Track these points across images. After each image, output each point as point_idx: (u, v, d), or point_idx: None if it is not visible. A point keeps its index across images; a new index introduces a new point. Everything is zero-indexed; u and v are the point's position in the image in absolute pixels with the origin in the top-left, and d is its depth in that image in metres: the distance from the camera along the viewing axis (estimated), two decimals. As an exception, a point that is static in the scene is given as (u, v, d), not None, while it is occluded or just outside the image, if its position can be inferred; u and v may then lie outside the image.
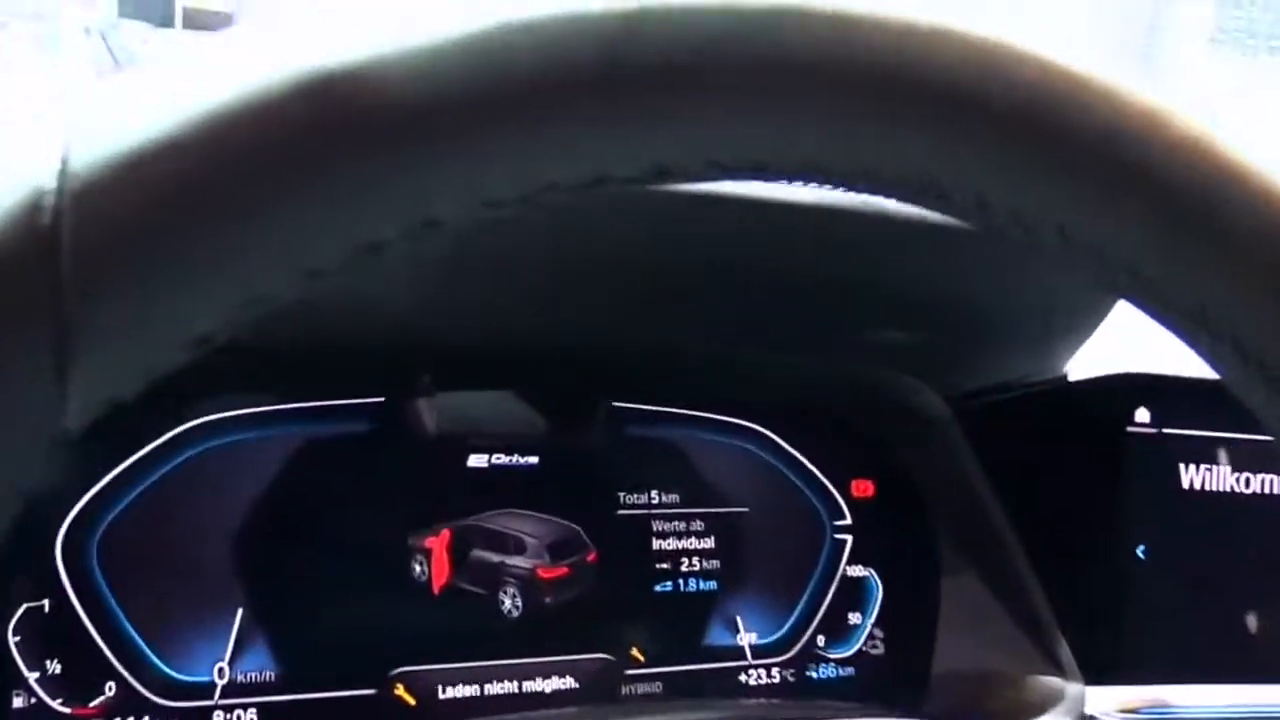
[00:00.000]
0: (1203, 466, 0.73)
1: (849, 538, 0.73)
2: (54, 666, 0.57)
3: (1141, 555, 0.72)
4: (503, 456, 0.65)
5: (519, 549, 0.65)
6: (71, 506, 0.58)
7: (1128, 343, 0.74)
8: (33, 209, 0.18)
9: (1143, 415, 0.72)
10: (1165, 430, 0.72)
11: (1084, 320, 0.67)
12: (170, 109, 0.18)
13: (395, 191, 0.19)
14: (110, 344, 0.18)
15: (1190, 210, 0.23)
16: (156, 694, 0.59)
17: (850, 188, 0.23)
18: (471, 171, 0.20)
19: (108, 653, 0.58)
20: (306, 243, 0.19)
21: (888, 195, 0.23)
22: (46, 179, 0.18)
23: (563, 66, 0.19)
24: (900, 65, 0.21)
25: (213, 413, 0.60)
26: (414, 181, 0.19)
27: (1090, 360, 0.74)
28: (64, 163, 0.18)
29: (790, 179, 0.22)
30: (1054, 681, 0.70)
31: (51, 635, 0.57)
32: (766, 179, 0.22)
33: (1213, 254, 0.24)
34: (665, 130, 0.21)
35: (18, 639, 0.56)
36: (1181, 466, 0.72)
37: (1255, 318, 0.24)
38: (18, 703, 0.57)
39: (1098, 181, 0.23)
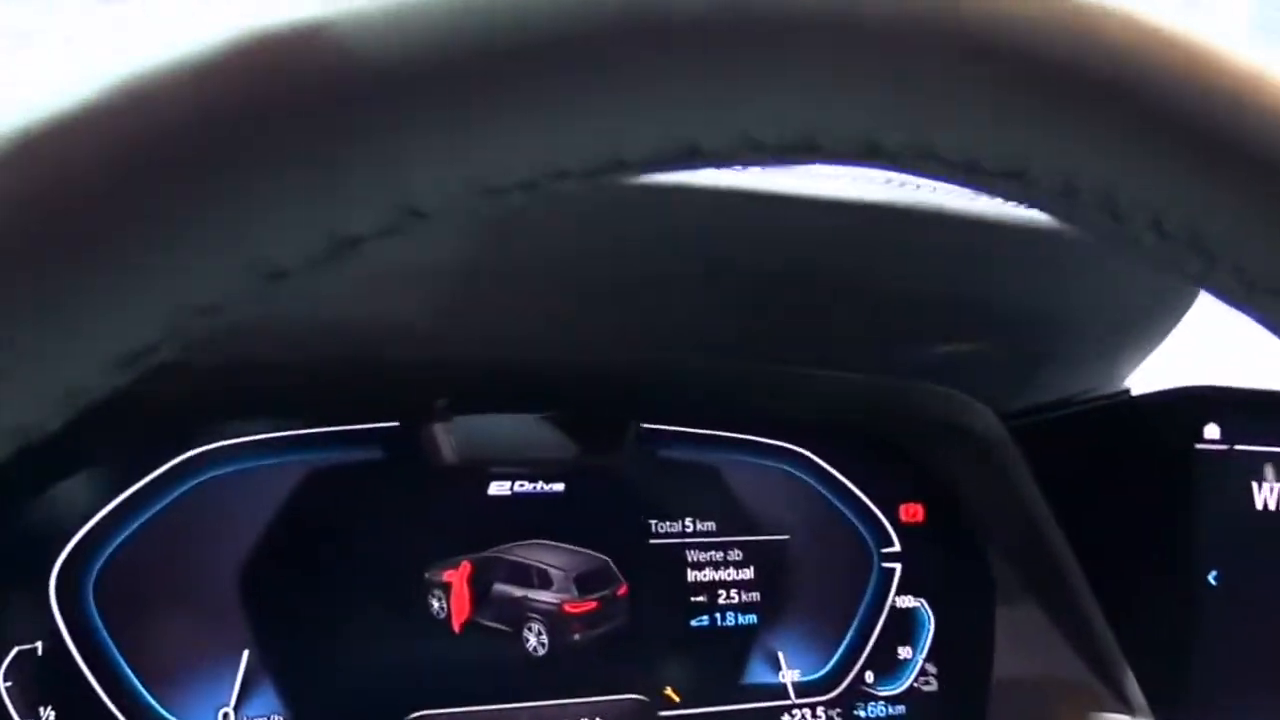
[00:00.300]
0: (1278, 485, 0.69)
1: (897, 566, 0.71)
2: (48, 714, 0.55)
3: (1213, 581, 0.68)
4: (526, 484, 0.63)
5: (544, 582, 0.63)
6: (66, 541, 0.56)
7: (1194, 355, 0.72)
8: None
9: (1212, 431, 0.69)
10: (1237, 447, 0.69)
11: (1151, 331, 0.64)
12: (74, 78, 0.15)
13: (363, 173, 0.16)
14: (15, 368, 0.16)
15: None
16: None
17: (919, 173, 0.21)
18: (461, 149, 0.17)
19: (105, 698, 0.56)
20: (258, 237, 0.16)
21: (961, 181, 0.21)
22: None
23: (580, 14, 0.16)
24: (991, 31, 0.19)
25: (217, 439, 0.58)
26: (387, 161, 0.16)
27: (1154, 374, 0.71)
28: None
29: (843, 160, 0.20)
30: (1120, 718, 0.68)
31: (45, 680, 0.55)
32: (817, 161, 0.20)
33: None
34: (706, 100, 0.18)
35: (9, 684, 0.55)
36: (1255, 485, 0.69)
37: None
38: (12, 752, 0.54)
39: (1211, 163, 0.20)
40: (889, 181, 0.51)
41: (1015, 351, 0.64)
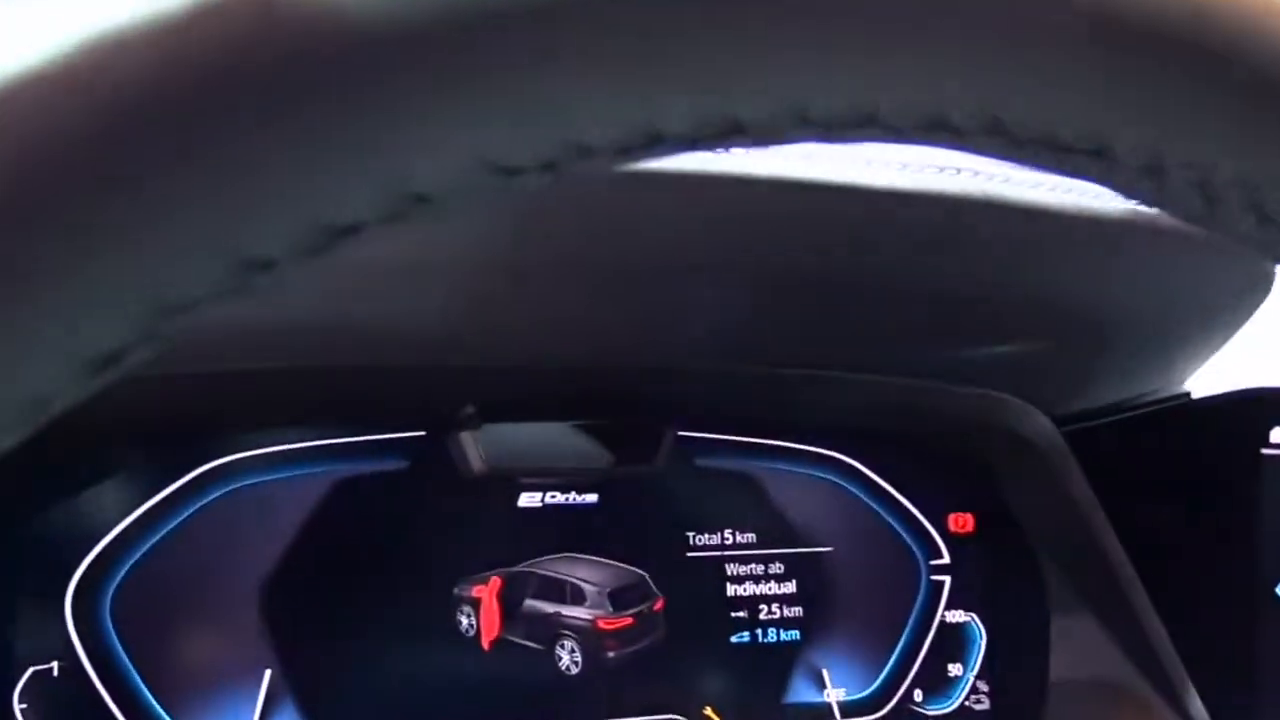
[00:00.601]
0: None
1: (947, 579, 0.70)
2: None
3: None
4: (557, 495, 0.63)
5: (577, 598, 0.62)
6: (83, 558, 0.55)
7: (1259, 355, 0.70)
8: None
9: None
10: None
11: (1218, 330, 0.62)
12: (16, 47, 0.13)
13: (354, 149, 0.15)
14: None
15: None
16: None
17: (987, 152, 0.19)
18: (469, 120, 0.15)
19: (121, 719, 0.55)
20: (235, 223, 0.14)
21: (1033, 161, 0.19)
22: None
23: None
24: None
25: (237, 451, 0.58)
26: (382, 135, 0.15)
27: (1216, 376, 0.70)
28: None
29: (904, 137, 0.18)
30: None
31: (61, 701, 0.55)
32: (874, 138, 0.18)
33: None
34: (751, 66, 0.16)
35: (24, 706, 0.54)
36: None
37: None
38: (28, 778, 0.54)
39: None
40: (942, 170, 0.49)
41: (1071, 352, 0.63)
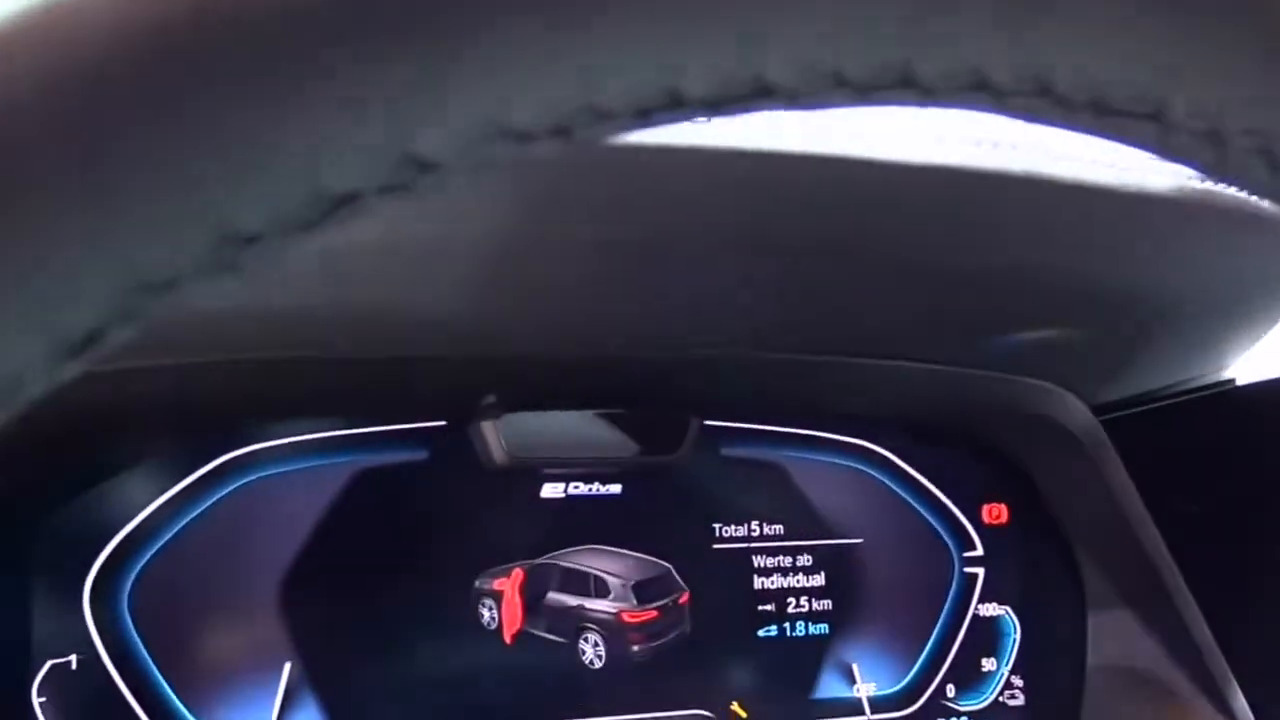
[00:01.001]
0: None
1: (980, 571, 0.70)
2: None
3: None
4: (580, 485, 0.64)
5: (601, 590, 0.63)
6: (100, 550, 0.56)
7: None
8: None
9: None
10: None
11: (1263, 315, 0.62)
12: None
13: (349, 109, 0.14)
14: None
15: None
16: None
17: (1032, 116, 0.18)
18: (477, 81, 0.14)
19: (140, 714, 0.56)
20: (217, 192, 0.14)
21: (1081, 126, 0.18)
22: None
23: None
24: None
25: (257, 441, 0.59)
26: (380, 94, 0.14)
27: (1259, 362, 0.70)
28: None
29: (943, 100, 0.18)
30: None
31: (79, 695, 0.56)
32: (910, 101, 0.17)
33: None
34: (781, 21, 0.16)
35: (42, 700, 0.55)
36: None
37: None
38: (47, 772, 0.55)
39: None
40: (979, 143, 0.49)
41: (1111, 338, 0.63)
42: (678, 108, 0.16)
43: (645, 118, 0.16)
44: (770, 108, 0.17)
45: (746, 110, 0.17)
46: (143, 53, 0.13)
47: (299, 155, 0.14)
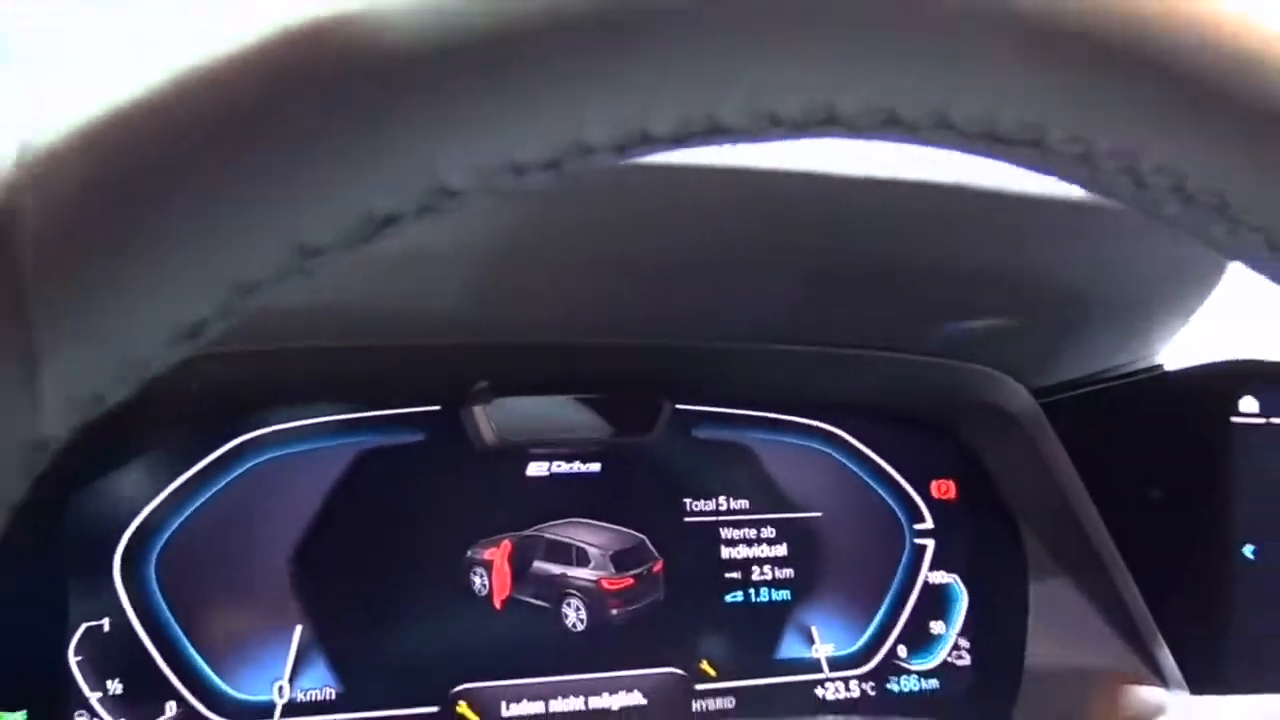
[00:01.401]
0: None
1: (930, 542, 0.75)
2: (115, 686, 0.61)
3: (1250, 555, 0.72)
4: (563, 464, 0.69)
5: (582, 560, 0.68)
6: (129, 524, 0.61)
7: (1229, 328, 0.74)
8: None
9: (1249, 404, 0.72)
10: (1274, 420, 0.72)
11: (1181, 304, 0.68)
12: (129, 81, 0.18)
13: (395, 151, 0.18)
14: (83, 342, 0.18)
15: None
16: (217, 713, 0.63)
17: (938, 144, 0.22)
18: (488, 127, 0.18)
19: (168, 672, 0.62)
20: (298, 215, 0.18)
21: (980, 151, 0.22)
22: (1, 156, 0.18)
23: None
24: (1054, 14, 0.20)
25: (269, 425, 0.64)
26: (418, 139, 0.18)
27: (1187, 348, 0.75)
28: (21, 149, 0.18)
29: (862, 133, 0.21)
30: (1156, 692, 0.72)
31: (111, 655, 0.61)
32: (836, 134, 0.21)
33: None
34: (726, 74, 0.19)
35: (79, 659, 0.61)
36: None
37: None
38: (80, 723, 0.61)
39: (1235, 126, 0.22)
40: (923, 160, 0.55)
41: (1046, 327, 0.68)
42: (648, 144, 0.20)
43: (620, 152, 0.20)
44: (726, 142, 0.20)
45: (708, 144, 0.20)
46: (248, 120, 0.17)
47: (359, 189, 0.18)
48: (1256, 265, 0.25)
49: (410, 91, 0.18)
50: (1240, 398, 0.72)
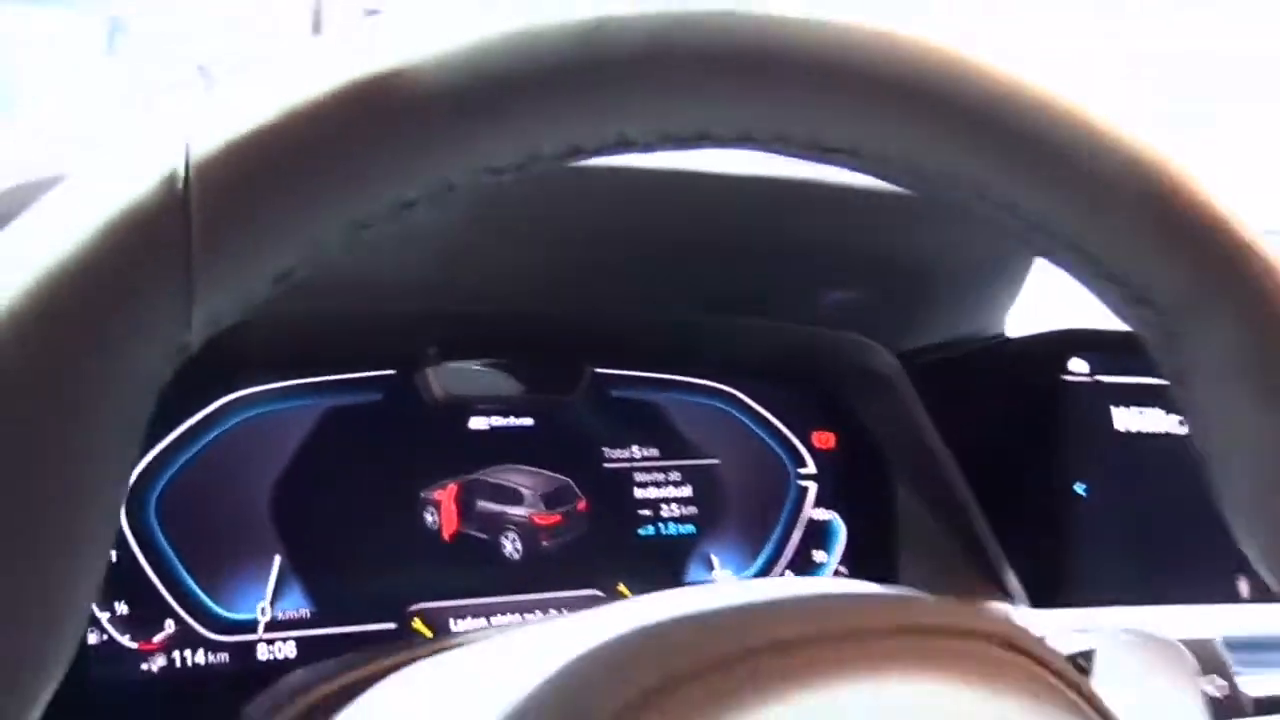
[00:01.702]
0: (1135, 410, 0.85)
1: (812, 484, 0.86)
2: (122, 608, 0.71)
3: (1081, 492, 0.85)
4: (500, 419, 0.78)
5: (517, 500, 0.77)
6: (133, 469, 0.72)
7: (1067, 308, 0.87)
8: (169, 178, 0.24)
9: (1077, 365, 0.85)
10: (1098, 378, 0.85)
11: (1006, 277, 0.81)
12: (263, 99, 0.25)
13: (422, 157, 0.25)
14: (229, 276, 0.25)
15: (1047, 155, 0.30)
16: (209, 630, 0.73)
17: (789, 154, 0.29)
18: (479, 143, 0.26)
19: (167, 596, 0.72)
20: (357, 196, 0.25)
21: (815, 160, 0.29)
22: (177, 153, 0.24)
23: (545, 62, 0.26)
24: (797, 54, 0.27)
25: (249, 387, 0.74)
26: (435, 150, 0.25)
27: (1030, 321, 0.88)
28: (189, 141, 0.24)
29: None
30: (1003, 607, 0.81)
31: (119, 582, 0.71)
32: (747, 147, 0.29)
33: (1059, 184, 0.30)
34: (628, 105, 0.27)
35: None
36: (1115, 410, 0.85)
37: (1118, 241, 0.30)
38: (93, 639, 0.71)
39: (1000, 147, 0.29)
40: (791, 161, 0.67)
41: (901, 298, 0.80)
42: (576, 154, 0.27)
43: (565, 159, 0.27)
44: (630, 152, 0.28)
45: (614, 154, 0.27)
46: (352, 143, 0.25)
47: (392, 187, 0.26)
48: (1039, 254, 0.33)
49: (430, 118, 0.25)
50: (1070, 360, 0.85)
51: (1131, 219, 0.31)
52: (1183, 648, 0.69)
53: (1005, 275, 0.81)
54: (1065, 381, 0.86)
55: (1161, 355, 0.34)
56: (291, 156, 0.25)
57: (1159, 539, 0.87)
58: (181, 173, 0.24)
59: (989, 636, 0.36)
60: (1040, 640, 0.37)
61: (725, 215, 0.69)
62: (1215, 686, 0.73)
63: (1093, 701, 0.36)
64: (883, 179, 0.31)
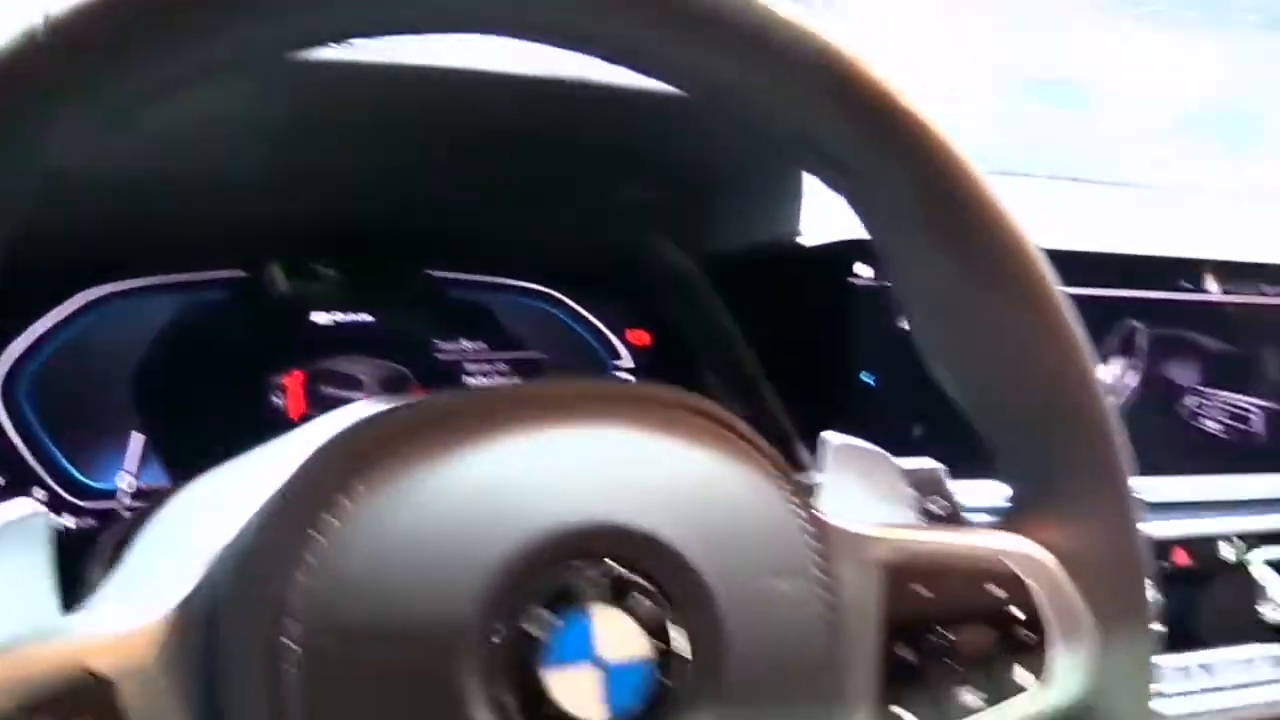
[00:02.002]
0: None
1: (630, 378, 0.98)
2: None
3: (870, 381, 0.97)
4: (341, 314, 0.88)
5: (357, 386, 0.87)
6: (7, 360, 0.82)
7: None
8: (29, 31, 0.33)
9: (865, 270, 0.97)
10: (884, 283, 0.96)
11: (785, 185, 0.92)
12: None
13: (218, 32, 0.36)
14: (81, 104, 0.33)
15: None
16: (76, 497, 0.83)
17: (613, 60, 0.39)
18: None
19: (38, 468, 0.81)
20: (165, 54, 0.35)
21: (627, 65, 0.39)
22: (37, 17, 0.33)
23: None
24: None
25: (114, 282, 0.84)
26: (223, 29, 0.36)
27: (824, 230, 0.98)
28: (48, 9, 0.33)
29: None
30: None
31: None
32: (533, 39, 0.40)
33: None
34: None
35: None
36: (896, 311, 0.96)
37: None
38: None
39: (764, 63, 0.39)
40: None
41: (689, 201, 0.90)
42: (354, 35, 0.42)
43: (341, 39, 0.41)
44: (415, 34, 0.39)
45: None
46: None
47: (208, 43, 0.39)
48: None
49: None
50: (856, 264, 0.96)
51: (826, 99, 0.39)
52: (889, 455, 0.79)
53: (783, 182, 0.93)
54: (852, 284, 0.97)
55: (863, 218, 0.42)
56: (116, 18, 0.34)
57: (941, 423, 0.97)
58: (41, 28, 0.33)
59: (678, 403, 0.44)
60: (728, 410, 0.45)
61: (523, 115, 0.79)
62: (939, 506, 0.84)
63: (774, 461, 0.45)
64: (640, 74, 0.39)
